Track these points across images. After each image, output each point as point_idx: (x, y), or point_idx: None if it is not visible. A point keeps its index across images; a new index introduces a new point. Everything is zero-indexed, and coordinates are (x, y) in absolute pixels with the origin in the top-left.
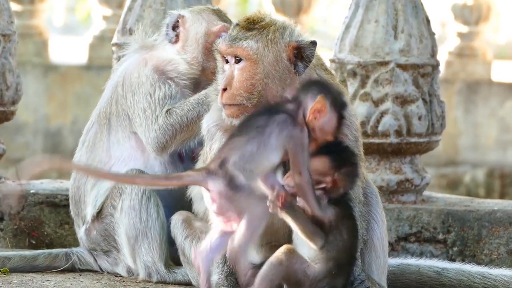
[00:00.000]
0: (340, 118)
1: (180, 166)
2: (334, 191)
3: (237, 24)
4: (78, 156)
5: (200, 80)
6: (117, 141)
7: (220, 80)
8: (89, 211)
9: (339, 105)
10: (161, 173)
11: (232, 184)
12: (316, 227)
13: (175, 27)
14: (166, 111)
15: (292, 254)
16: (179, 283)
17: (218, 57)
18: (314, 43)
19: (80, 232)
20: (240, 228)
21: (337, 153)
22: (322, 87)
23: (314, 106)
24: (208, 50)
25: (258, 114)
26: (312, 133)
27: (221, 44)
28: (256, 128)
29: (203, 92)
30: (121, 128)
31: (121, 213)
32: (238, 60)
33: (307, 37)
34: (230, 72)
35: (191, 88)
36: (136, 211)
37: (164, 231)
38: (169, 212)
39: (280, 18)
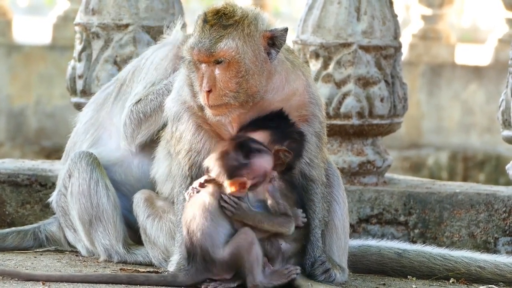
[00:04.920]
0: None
1: None
2: (277, 166)
3: (205, 21)
4: (85, 111)
5: None
6: (118, 109)
7: (198, 80)
8: (58, 182)
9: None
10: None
11: None
12: (280, 217)
13: None
14: (137, 101)
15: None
16: (140, 264)
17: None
18: (286, 30)
19: (52, 197)
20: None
21: (278, 128)
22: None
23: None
24: None
25: None
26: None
27: (197, 53)
28: None
29: (164, 82)
30: (123, 99)
31: (71, 197)
32: (218, 61)
33: (276, 24)
34: (210, 73)
35: None
36: (86, 196)
37: (118, 212)
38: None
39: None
